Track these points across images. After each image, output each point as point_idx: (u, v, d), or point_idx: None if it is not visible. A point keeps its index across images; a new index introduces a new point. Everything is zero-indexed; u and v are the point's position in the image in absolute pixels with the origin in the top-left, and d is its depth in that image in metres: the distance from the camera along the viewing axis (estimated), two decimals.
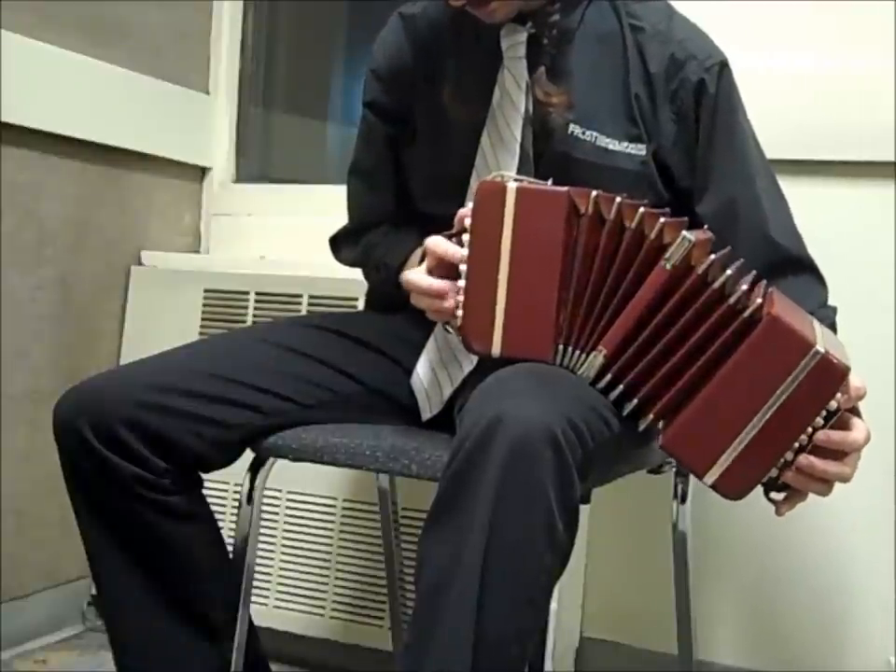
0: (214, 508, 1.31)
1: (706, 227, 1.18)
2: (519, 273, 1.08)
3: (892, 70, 1.60)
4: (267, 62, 2.33)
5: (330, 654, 1.83)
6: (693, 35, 1.32)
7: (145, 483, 1.20)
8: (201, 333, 1.95)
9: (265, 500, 1.79)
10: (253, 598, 1.43)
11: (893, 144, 1.60)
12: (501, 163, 1.27)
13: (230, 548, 1.32)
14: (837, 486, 1.09)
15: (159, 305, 2.00)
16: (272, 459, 1.29)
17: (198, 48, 2.18)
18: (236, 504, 1.56)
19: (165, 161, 2.10)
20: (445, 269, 1.14)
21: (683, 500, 1.40)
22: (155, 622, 1.24)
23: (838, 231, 1.62)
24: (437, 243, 1.15)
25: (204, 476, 1.27)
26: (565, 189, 1.09)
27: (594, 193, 1.08)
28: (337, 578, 1.82)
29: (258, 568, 1.78)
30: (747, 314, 1.02)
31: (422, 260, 1.19)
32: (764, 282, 1.10)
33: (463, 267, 1.11)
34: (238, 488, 1.33)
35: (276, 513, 1.85)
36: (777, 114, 1.61)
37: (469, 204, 1.10)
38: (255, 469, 1.29)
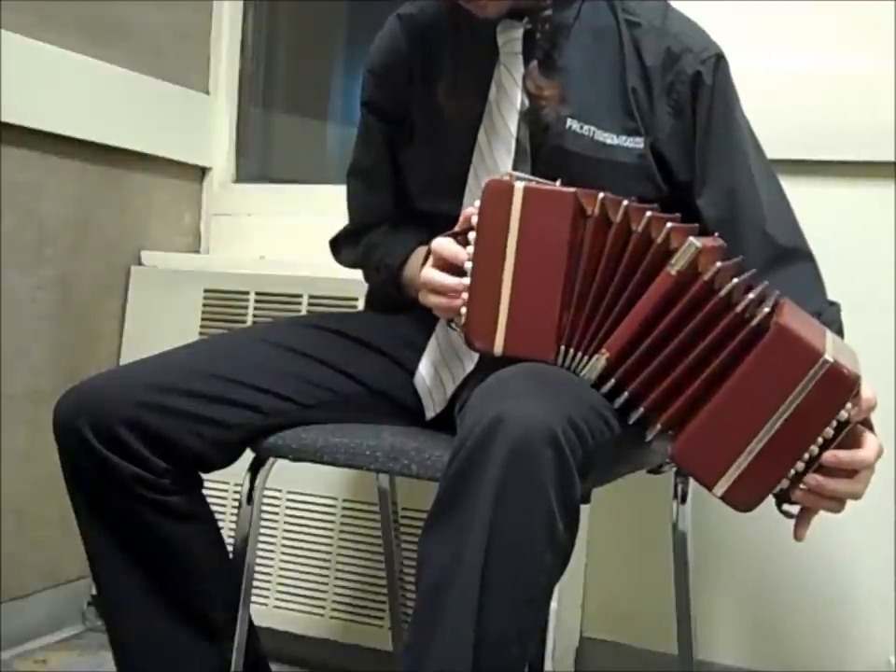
0: (214, 508, 1.31)
1: (716, 234, 1.17)
2: (524, 272, 1.08)
3: (892, 70, 1.60)
4: (267, 62, 2.33)
5: (330, 654, 1.83)
6: (689, 28, 1.32)
7: (145, 482, 1.20)
8: (201, 333, 1.95)
9: (265, 500, 1.79)
10: (253, 598, 1.43)
11: (893, 144, 1.60)
12: (497, 159, 1.27)
13: (230, 548, 1.32)
14: None
15: (159, 305, 2.00)
16: (272, 459, 1.29)
17: (198, 48, 2.18)
18: (236, 504, 1.56)
19: (165, 161, 2.10)
20: (450, 271, 1.14)
21: (683, 500, 1.40)
22: (155, 622, 1.24)
23: (838, 230, 1.62)
24: (442, 245, 1.16)
25: (204, 476, 1.27)
26: (572, 189, 1.08)
27: (601, 195, 1.07)
28: (337, 578, 1.81)
29: (258, 568, 1.78)
30: (754, 322, 1.01)
31: (425, 261, 1.20)
32: (777, 292, 1.09)
33: (468, 265, 1.11)
34: (238, 488, 1.33)
35: (276, 513, 1.85)
36: (776, 114, 1.61)
37: (476, 203, 1.10)
38: (255, 469, 1.29)
